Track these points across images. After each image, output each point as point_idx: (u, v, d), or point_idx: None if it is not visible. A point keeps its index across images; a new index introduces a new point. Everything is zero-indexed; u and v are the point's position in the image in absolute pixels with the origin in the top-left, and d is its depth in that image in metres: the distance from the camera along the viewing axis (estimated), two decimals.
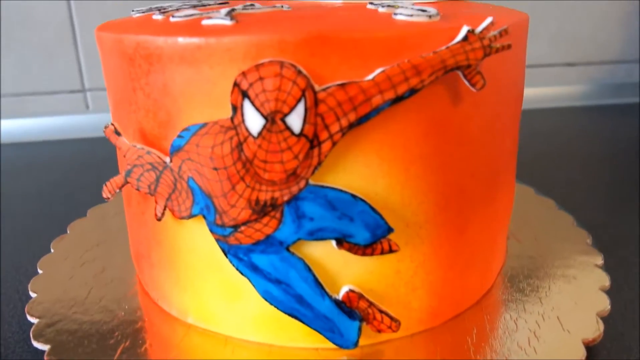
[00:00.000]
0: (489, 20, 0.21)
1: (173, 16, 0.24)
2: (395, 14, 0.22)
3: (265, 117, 0.20)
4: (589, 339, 0.24)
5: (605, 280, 0.29)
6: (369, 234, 0.22)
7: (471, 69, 0.21)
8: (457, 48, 0.20)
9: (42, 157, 0.57)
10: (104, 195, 0.25)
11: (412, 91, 0.20)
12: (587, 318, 0.26)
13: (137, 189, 0.24)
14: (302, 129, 0.20)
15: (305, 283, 0.23)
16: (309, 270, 0.23)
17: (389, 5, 0.24)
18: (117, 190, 0.24)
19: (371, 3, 0.25)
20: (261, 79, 0.20)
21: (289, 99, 0.20)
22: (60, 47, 0.61)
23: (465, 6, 0.27)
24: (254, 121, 0.20)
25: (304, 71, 0.19)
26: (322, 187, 0.21)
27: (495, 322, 0.26)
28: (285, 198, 0.21)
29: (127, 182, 0.24)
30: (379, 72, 0.20)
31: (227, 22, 0.21)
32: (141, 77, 0.23)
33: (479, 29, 0.20)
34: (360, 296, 0.23)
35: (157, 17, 0.25)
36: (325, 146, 0.21)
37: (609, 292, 0.28)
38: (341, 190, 0.21)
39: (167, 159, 0.23)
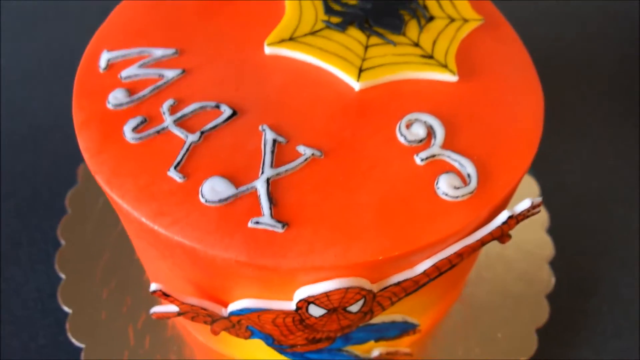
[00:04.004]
0: (527, 204, 0.22)
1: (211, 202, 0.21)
2: (438, 187, 0.22)
3: (327, 310, 0.22)
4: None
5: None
6: (400, 332, 0.27)
7: (503, 235, 0.23)
8: (496, 230, 0.22)
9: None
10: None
11: (452, 267, 0.23)
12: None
13: (191, 320, 0.26)
14: (359, 311, 0.23)
15: None
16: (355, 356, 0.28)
17: (424, 158, 0.23)
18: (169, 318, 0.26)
19: (400, 133, 0.23)
20: (328, 296, 0.21)
21: (351, 301, 0.22)
22: None
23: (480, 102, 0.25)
24: (317, 312, 0.22)
25: (368, 287, 0.21)
26: (371, 324, 0.25)
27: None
28: (339, 335, 0.25)
29: (179, 316, 0.26)
30: (430, 266, 0.22)
31: (279, 229, 0.21)
32: (181, 263, 0.22)
33: (518, 210, 0.22)
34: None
35: (176, 177, 0.22)
36: (377, 312, 0.24)
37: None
38: (385, 322, 0.25)
39: (225, 312, 0.24)
